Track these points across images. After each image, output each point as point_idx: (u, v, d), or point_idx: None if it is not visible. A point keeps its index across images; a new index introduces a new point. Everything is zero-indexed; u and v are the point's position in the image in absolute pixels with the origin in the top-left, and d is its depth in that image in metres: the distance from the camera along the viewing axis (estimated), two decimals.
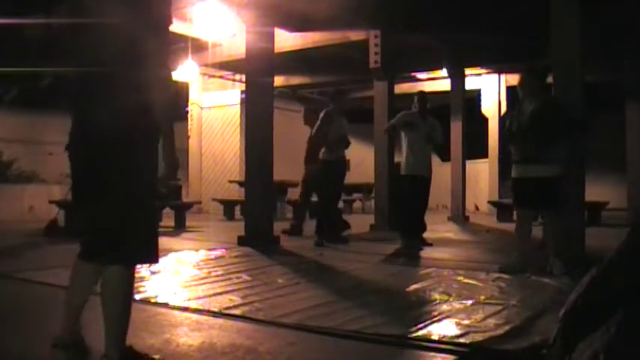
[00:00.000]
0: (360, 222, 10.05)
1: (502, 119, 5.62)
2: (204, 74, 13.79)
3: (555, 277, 4.76)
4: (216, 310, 3.67)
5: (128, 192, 2.33)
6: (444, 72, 12.39)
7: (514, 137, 5.23)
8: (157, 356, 2.61)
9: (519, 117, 5.21)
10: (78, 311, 2.47)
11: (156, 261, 2.46)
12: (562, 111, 5.11)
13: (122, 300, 2.41)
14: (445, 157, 12.89)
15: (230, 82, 14.14)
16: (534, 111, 5.08)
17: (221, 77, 14.02)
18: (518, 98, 5.44)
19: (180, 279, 4.89)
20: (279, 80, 11.56)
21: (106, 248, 2.35)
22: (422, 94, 7.58)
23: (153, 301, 3.96)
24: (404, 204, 7.39)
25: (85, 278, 2.45)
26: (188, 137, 14.43)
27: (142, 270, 5.19)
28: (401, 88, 12.74)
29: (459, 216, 12.03)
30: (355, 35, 9.94)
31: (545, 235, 5.61)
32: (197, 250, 6.58)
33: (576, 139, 5.43)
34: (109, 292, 2.38)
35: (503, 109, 13.80)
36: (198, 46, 11.07)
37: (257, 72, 7.45)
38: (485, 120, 14.42)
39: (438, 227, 9.91)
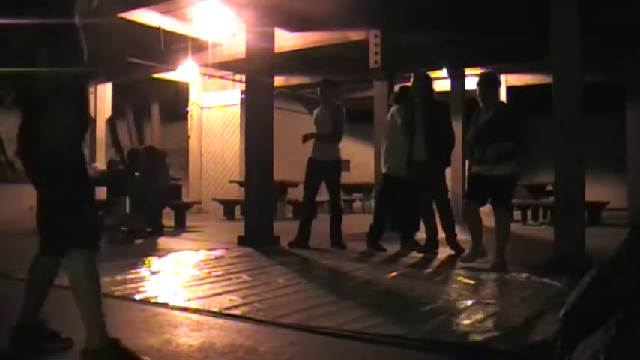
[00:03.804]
0: (360, 222, 10.04)
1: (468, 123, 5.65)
2: (204, 74, 13.77)
3: (555, 277, 4.76)
4: (216, 310, 3.67)
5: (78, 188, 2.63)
6: (444, 72, 12.38)
7: (473, 141, 5.63)
8: (147, 358, 2.56)
9: (477, 123, 5.59)
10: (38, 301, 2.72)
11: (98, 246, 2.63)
12: (513, 120, 5.45)
13: (91, 283, 2.51)
14: None
15: (230, 82, 14.14)
16: (489, 120, 5.44)
17: (221, 77, 14.00)
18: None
19: (180, 279, 4.90)
20: (279, 80, 11.55)
21: (73, 236, 2.54)
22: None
23: (153, 301, 3.97)
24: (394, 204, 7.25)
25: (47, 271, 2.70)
26: (188, 137, 14.43)
27: (142, 270, 5.21)
28: None
29: (459, 216, 12.00)
30: (355, 35, 9.92)
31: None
32: (197, 250, 6.58)
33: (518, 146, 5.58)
34: (77, 276, 2.50)
35: None
36: (198, 46, 11.05)
37: (257, 72, 7.45)
38: None
39: (439, 227, 9.88)
